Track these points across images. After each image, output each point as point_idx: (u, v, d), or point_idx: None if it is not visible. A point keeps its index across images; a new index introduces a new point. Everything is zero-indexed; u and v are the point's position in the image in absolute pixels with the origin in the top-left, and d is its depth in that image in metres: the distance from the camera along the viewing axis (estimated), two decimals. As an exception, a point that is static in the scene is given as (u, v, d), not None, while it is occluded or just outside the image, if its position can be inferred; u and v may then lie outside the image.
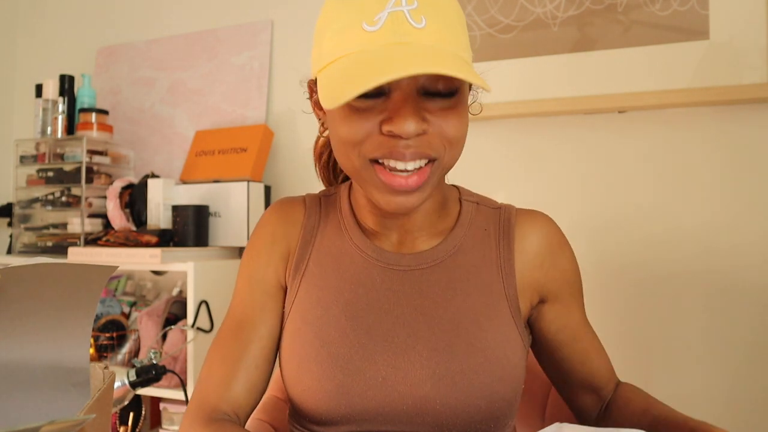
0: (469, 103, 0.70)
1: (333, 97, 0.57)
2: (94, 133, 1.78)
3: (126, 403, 1.15)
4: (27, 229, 1.83)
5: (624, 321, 1.36)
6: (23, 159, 1.82)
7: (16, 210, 1.83)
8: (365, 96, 0.61)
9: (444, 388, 0.66)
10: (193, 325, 1.47)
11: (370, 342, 0.68)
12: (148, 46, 1.97)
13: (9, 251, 1.88)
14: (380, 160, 0.63)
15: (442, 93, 0.62)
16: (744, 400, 1.27)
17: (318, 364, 0.68)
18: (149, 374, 1.14)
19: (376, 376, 0.67)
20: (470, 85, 0.68)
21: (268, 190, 1.69)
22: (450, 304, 0.70)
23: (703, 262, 1.31)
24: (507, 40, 1.46)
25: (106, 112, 1.83)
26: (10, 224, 1.90)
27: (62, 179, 1.76)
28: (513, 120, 1.47)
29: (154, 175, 1.73)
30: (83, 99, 1.84)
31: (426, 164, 0.63)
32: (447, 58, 0.57)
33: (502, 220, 0.75)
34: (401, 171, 0.62)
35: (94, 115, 1.79)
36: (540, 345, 0.78)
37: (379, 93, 0.61)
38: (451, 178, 0.78)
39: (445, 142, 0.63)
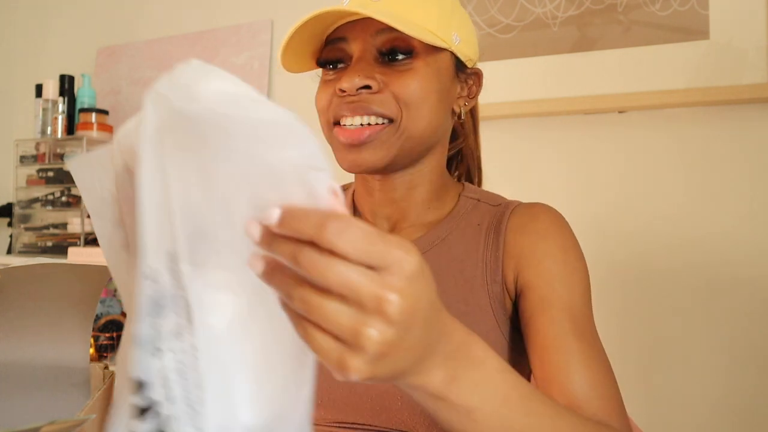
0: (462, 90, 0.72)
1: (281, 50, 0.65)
2: (94, 133, 1.78)
3: (126, 403, 1.15)
4: (27, 229, 1.83)
5: (627, 322, 1.36)
6: (23, 159, 1.82)
7: (16, 210, 1.83)
8: (330, 67, 0.68)
9: None
10: (193, 325, 1.47)
11: None
12: (148, 46, 1.97)
13: (9, 251, 1.88)
14: (339, 122, 0.66)
15: (399, 52, 0.65)
16: (742, 399, 1.27)
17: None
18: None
19: None
20: (455, 57, 0.69)
21: (268, 190, 1.69)
22: None
23: (703, 262, 1.31)
24: (507, 40, 1.46)
25: (106, 112, 1.83)
26: (10, 224, 1.90)
27: (62, 179, 1.76)
28: (513, 120, 1.47)
29: (154, 175, 1.73)
30: (83, 99, 1.84)
31: (380, 123, 0.65)
32: (387, 15, 0.60)
33: (498, 215, 0.71)
34: (349, 126, 0.65)
35: (94, 115, 1.79)
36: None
37: (341, 61, 0.67)
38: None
39: (401, 103, 0.65)
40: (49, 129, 1.81)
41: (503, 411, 0.43)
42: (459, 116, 0.73)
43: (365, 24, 0.65)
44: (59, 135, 1.79)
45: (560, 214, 0.71)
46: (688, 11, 1.31)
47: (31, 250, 1.82)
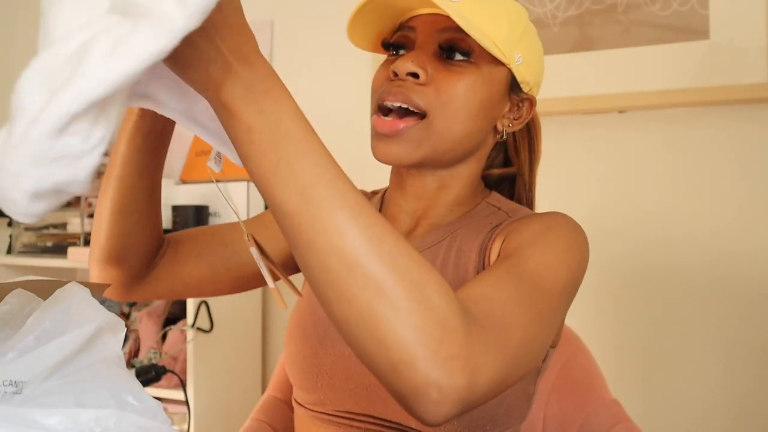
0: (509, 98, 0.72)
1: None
2: (94, 133, 1.78)
3: (126, 403, 1.15)
4: (27, 229, 1.83)
5: (616, 322, 1.36)
6: (23, 159, 1.82)
7: (16, 210, 1.83)
8: (393, 52, 0.71)
9: None
10: (193, 325, 1.47)
11: None
12: (148, 46, 1.96)
13: (9, 251, 1.88)
14: (382, 105, 0.68)
15: (456, 51, 0.66)
16: (737, 397, 1.27)
17: (302, 329, 0.73)
18: (149, 374, 1.14)
19: (345, 350, 0.69)
20: (511, 76, 0.70)
21: (268, 190, 1.69)
22: None
23: (702, 261, 1.31)
24: (507, 40, 1.46)
25: (106, 112, 1.83)
26: (10, 224, 1.89)
27: (62, 179, 1.76)
28: (513, 120, 1.47)
29: (154, 175, 1.73)
30: (83, 99, 1.84)
31: (413, 115, 0.66)
32: (462, 18, 0.61)
33: (509, 217, 0.71)
34: (386, 116, 0.67)
35: (94, 115, 1.79)
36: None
37: (404, 47, 0.70)
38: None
39: (440, 100, 0.65)
40: (48, 129, 1.81)
41: (284, 144, 0.42)
42: (501, 135, 0.73)
43: (435, 19, 0.67)
44: (59, 135, 1.79)
45: (573, 220, 0.67)
46: (688, 11, 1.31)
47: (31, 250, 1.82)
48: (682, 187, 1.33)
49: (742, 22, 1.26)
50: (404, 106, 0.65)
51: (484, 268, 0.67)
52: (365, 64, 1.61)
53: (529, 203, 0.81)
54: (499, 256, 0.64)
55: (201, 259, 0.76)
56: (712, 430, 1.29)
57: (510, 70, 0.69)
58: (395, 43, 0.70)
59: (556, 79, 1.41)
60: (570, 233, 0.64)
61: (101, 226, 0.69)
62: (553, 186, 1.43)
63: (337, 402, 0.70)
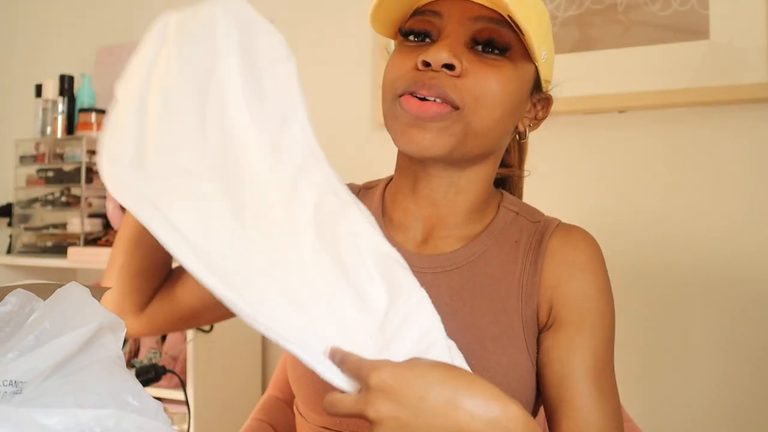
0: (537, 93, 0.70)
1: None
2: (94, 133, 1.78)
3: (126, 403, 1.15)
4: (27, 229, 1.83)
5: (616, 321, 1.36)
6: (23, 159, 1.82)
7: (16, 210, 1.83)
8: (415, 36, 0.64)
9: None
10: (193, 325, 1.47)
11: None
12: (148, 46, 1.96)
13: (9, 251, 1.88)
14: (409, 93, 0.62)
15: (493, 47, 0.62)
16: (736, 396, 1.27)
17: None
18: (149, 374, 1.14)
19: None
20: (536, 69, 0.67)
21: (268, 190, 1.69)
22: (455, 315, 0.64)
23: (701, 263, 1.31)
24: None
25: (105, 112, 1.83)
26: (10, 224, 1.89)
27: (62, 179, 1.76)
28: (513, 120, 1.47)
29: (154, 175, 1.72)
30: (83, 99, 1.84)
31: (447, 105, 0.61)
32: (500, 5, 0.58)
33: (537, 234, 0.68)
34: (420, 99, 0.61)
35: (93, 115, 1.79)
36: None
37: (427, 35, 0.63)
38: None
39: (475, 95, 0.61)
40: (48, 129, 1.80)
41: None
42: (521, 135, 0.70)
43: (465, 6, 0.61)
44: (59, 135, 1.79)
45: (598, 245, 0.68)
46: (688, 11, 1.31)
47: (30, 250, 1.82)
48: (682, 187, 1.33)
49: (742, 22, 1.26)
50: (439, 100, 0.60)
51: (528, 307, 0.65)
52: (366, 63, 1.61)
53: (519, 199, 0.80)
54: (552, 317, 0.65)
55: (189, 290, 0.73)
56: (712, 430, 1.29)
57: (536, 68, 0.66)
58: (418, 29, 0.64)
59: (556, 79, 1.41)
60: (607, 283, 0.67)
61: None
62: (553, 186, 1.43)
63: (345, 424, 0.67)
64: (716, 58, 1.28)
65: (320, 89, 1.65)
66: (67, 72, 1.88)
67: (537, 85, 0.69)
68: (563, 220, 0.71)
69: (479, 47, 0.62)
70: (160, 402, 0.44)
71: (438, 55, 0.59)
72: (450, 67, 0.60)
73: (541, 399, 0.67)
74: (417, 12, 0.64)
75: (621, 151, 1.38)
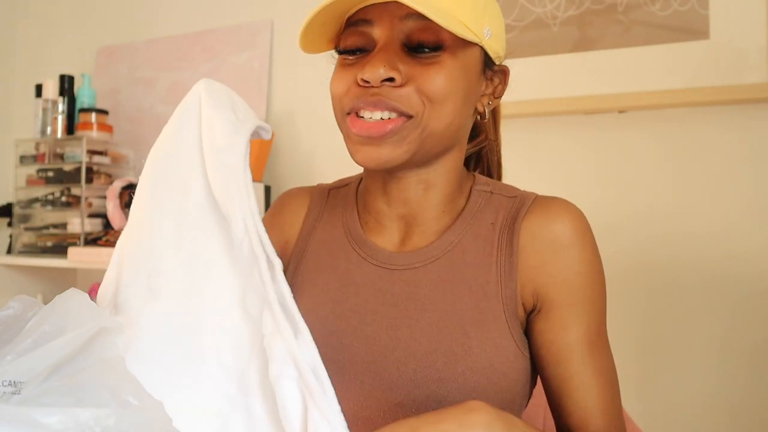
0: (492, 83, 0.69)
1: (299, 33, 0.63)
2: (94, 133, 1.78)
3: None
4: (27, 229, 1.83)
5: (615, 320, 1.36)
6: (23, 159, 1.82)
7: (16, 210, 1.83)
8: (351, 52, 0.64)
9: (421, 397, 0.62)
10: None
11: (355, 343, 0.66)
12: (148, 46, 1.97)
13: (9, 251, 1.88)
14: (356, 113, 0.62)
15: (426, 46, 0.60)
16: (734, 394, 1.27)
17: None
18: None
19: (355, 379, 0.65)
20: (483, 53, 0.65)
21: (268, 190, 1.69)
22: (436, 306, 0.64)
23: (700, 262, 1.31)
24: (507, 40, 1.46)
25: (106, 112, 1.83)
26: (10, 224, 1.89)
27: (62, 179, 1.76)
28: (513, 120, 1.47)
29: (154, 175, 1.72)
30: (83, 99, 1.84)
31: (398, 117, 0.60)
32: (419, 1, 0.56)
33: (512, 210, 0.67)
34: (368, 119, 0.61)
35: (94, 115, 1.79)
36: (533, 361, 0.67)
37: (363, 49, 0.63)
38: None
39: (424, 98, 0.60)
40: (48, 129, 1.81)
41: None
42: (482, 116, 0.70)
43: (393, 8, 0.60)
44: (59, 135, 1.79)
45: (580, 214, 0.67)
46: (688, 11, 1.30)
47: (30, 250, 1.82)
48: (682, 187, 1.33)
49: (742, 22, 1.26)
50: (385, 116, 0.60)
51: (508, 287, 0.64)
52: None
53: (498, 166, 0.80)
54: (540, 300, 0.64)
55: None
56: (710, 427, 1.29)
57: (482, 48, 0.64)
58: (352, 47, 0.63)
59: (556, 79, 1.42)
60: (594, 252, 0.67)
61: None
62: (553, 186, 1.43)
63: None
64: (716, 58, 1.28)
65: (321, 91, 1.65)
66: (67, 72, 1.88)
67: (488, 63, 0.67)
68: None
69: (414, 50, 0.61)
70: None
71: (375, 72, 0.59)
72: (390, 79, 0.60)
73: (533, 380, 0.68)
74: (349, 23, 0.64)
75: (621, 150, 1.38)
